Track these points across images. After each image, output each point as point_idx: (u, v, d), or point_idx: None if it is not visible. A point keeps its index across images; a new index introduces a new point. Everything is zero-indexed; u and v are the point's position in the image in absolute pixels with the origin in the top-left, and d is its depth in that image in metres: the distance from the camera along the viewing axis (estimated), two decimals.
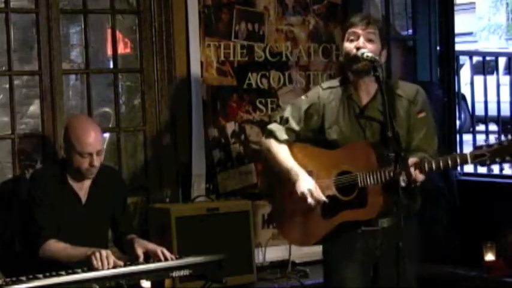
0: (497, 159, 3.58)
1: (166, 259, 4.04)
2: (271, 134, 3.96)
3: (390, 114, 3.55)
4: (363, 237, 3.83)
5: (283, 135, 3.93)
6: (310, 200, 3.76)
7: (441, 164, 3.63)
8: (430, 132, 3.85)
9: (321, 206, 3.81)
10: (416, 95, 3.86)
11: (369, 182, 3.69)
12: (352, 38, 3.76)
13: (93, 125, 4.31)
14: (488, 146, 3.59)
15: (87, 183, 4.32)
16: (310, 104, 3.91)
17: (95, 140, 4.19)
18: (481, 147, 3.61)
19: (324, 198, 3.77)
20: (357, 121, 3.82)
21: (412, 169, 3.57)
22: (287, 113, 3.96)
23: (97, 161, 4.20)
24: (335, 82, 3.96)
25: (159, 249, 4.10)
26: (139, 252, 4.14)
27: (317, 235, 3.86)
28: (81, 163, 4.18)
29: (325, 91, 3.92)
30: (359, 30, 3.75)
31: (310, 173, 3.85)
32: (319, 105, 3.89)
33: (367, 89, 3.83)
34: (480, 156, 3.59)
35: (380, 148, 3.71)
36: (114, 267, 3.83)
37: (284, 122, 3.94)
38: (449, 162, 3.63)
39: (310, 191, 3.77)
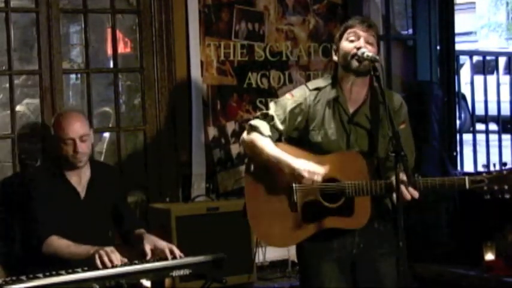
0: (495, 187, 3.59)
1: (174, 258, 4.02)
2: (255, 129, 3.83)
3: (390, 114, 3.54)
4: (340, 236, 3.79)
5: (267, 131, 3.80)
6: (319, 171, 3.65)
7: (437, 184, 3.64)
8: (409, 143, 3.85)
9: (301, 209, 3.76)
10: (400, 106, 3.86)
11: (358, 193, 3.66)
12: (352, 38, 3.74)
13: (77, 114, 4.33)
14: (488, 173, 3.61)
15: (85, 178, 4.32)
16: (296, 104, 3.82)
17: (76, 126, 4.20)
18: (480, 173, 3.64)
19: (323, 170, 3.67)
20: (343, 126, 3.77)
21: (406, 188, 3.56)
22: (271, 110, 3.84)
23: (81, 148, 4.19)
24: (323, 82, 3.87)
25: (167, 248, 4.06)
26: (147, 249, 4.11)
27: (296, 238, 3.82)
28: (66, 151, 4.19)
29: (312, 92, 3.83)
30: (360, 32, 3.73)
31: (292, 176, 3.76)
32: (304, 106, 3.81)
33: (358, 92, 3.79)
34: (478, 182, 3.61)
35: (369, 157, 3.71)
36: (122, 264, 3.83)
37: (269, 119, 3.83)
38: (446, 183, 3.65)
39: (310, 167, 3.67)
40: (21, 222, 4.47)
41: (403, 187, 3.53)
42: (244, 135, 3.89)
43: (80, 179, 4.31)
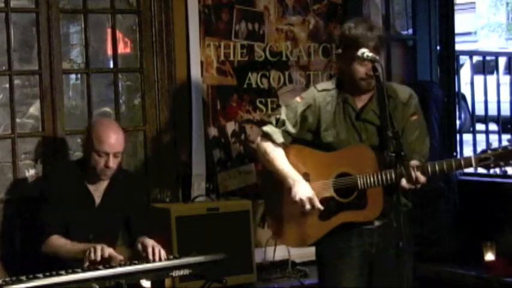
0: (501, 163, 3.62)
1: (153, 258, 4.01)
2: (268, 137, 3.94)
3: (390, 113, 3.56)
4: (359, 236, 3.85)
5: (279, 138, 3.91)
6: (308, 206, 3.78)
7: (445, 166, 3.66)
8: (422, 135, 3.89)
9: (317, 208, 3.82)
10: (409, 98, 3.90)
11: (369, 184, 3.71)
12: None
13: (116, 127, 4.34)
14: (493, 150, 3.63)
15: (103, 185, 4.32)
16: (306, 106, 3.91)
17: (114, 141, 4.22)
18: (485, 151, 3.66)
19: (320, 206, 3.79)
20: (353, 125, 3.83)
21: (414, 171, 3.58)
22: (283, 115, 3.94)
23: (113, 163, 4.20)
24: (330, 84, 3.95)
25: (150, 247, 4.08)
26: (139, 246, 4.17)
27: (314, 237, 3.88)
28: (96, 162, 4.20)
29: (321, 93, 3.91)
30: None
31: (306, 175, 3.87)
32: (314, 107, 3.89)
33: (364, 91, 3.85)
34: (484, 159, 3.63)
35: (380, 151, 3.73)
36: (110, 258, 3.84)
37: (280, 124, 3.92)
38: (454, 165, 3.68)
39: (308, 198, 3.79)
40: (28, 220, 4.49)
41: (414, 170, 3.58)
42: (258, 141, 4.01)
43: (98, 186, 4.31)
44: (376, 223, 3.84)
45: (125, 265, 3.88)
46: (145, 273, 3.87)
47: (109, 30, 5.51)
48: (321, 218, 3.82)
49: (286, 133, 3.91)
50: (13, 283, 3.55)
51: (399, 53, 6.44)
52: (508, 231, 5.51)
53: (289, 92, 5.75)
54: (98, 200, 4.31)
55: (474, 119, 7.18)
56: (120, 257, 3.93)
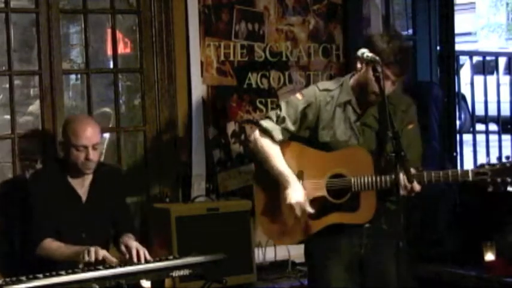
0: (498, 179, 3.61)
1: (139, 260, 4.02)
2: (267, 133, 3.92)
3: (390, 114, 3.56)
4: (348, 237, 3.84)
5: (279, 136, 3.90)
6: (298, 212, 3.79)
7: (441, 177, 3.66)
8: (416, 143, 3.90)
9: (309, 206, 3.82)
10: (408, 107, 3.92)
11: (363, 187, 3.70)
12: (378, 74, 3.67)
13: (90, 120, 4.38)
14: (491, 165, 3.63)
15: (88, 181, 4.33)
16: (306, 104, 3.89)
17: (90, 134, 4.23)
18: (483, 165, 3.65)
19: (311, 210, 3.78)
20: (351, 127, 3.83)
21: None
22: (283, 111, 3.91)
23: (93, 155, 4.22)
24: (332, 85, 3.94)
25: (134, 249, 4.08)
26: (122, 248, 4.17)
27: (302, 234, 3.88)
28: (77, 157, 4.21)
29: (322, 93, 3.90)
30: (392, 76, 3.70)
31: (300, 173, 3.85)
32: (315, 105, 3.88)
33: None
34: (482, 174, 3.62)
35: (377, 156, 3.74)
36: (103, 260, 3.84)
37: (281, 121, 3.91)
38: (450, 176, 3.67)
39: (298, 204, 3.78)
40: (20, 224, 4.49)
41: (405, 180, 3.57)
42: (257, 136, 3.96)
43: (82, 182, 4.32)
44: (366, 224, 3.83)
45: (125, 265, 3.88)
46: (145, 273, 3.86)
47: (109, 31, 5.52)
48: (311, 217, 3.82)
49: (285, 130, 3.90)
50: (13, 283, 3.55)
51: None
52: (508, 231, 5.51)
53: (289, 92, 5.74)
54: (84, 197, 4.32)
55: (474, 119, 7.19)
56: (114, 260, 3.92)
